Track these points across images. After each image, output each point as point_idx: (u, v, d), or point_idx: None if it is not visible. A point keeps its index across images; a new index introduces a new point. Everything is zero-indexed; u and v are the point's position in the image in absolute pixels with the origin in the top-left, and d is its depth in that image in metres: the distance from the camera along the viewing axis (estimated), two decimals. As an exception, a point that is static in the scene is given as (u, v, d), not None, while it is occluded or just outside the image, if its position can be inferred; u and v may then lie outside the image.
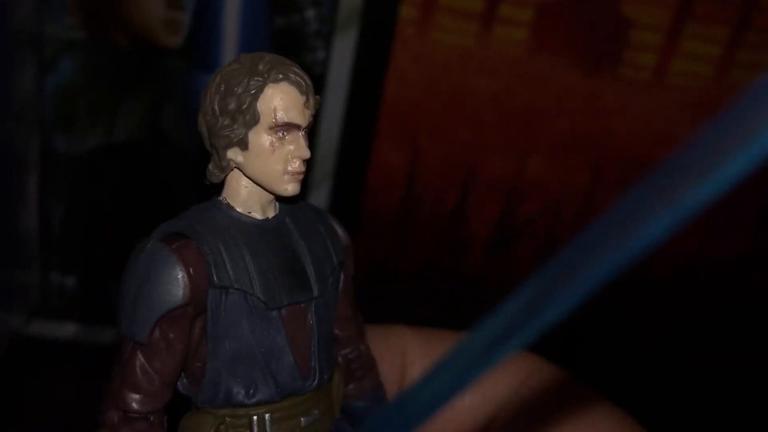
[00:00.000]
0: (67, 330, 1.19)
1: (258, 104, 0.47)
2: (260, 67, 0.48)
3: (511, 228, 1.17)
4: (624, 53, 1.06)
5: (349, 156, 1.08)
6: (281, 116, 0.48)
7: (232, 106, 0.47)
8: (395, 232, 1.17)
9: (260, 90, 0.47)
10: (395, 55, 1.04)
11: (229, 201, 0.50)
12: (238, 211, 0.50)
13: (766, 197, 1.16)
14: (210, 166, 0.49)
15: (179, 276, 0.47)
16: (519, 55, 1.05)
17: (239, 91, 0.47)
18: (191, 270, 0.47)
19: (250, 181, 0.50)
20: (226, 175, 0.49)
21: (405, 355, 0.74)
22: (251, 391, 0.49)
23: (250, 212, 0.50)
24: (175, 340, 0.47)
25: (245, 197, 0.50)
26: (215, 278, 0.47)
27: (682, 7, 1.02)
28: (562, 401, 0.71)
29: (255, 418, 0.49)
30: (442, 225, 1.17)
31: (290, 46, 1.02)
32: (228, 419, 0.48)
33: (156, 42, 1.01)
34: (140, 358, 0.47)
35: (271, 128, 0.48)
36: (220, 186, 0.50)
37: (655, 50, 1.05)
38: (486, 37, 1.04)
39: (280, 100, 0.48)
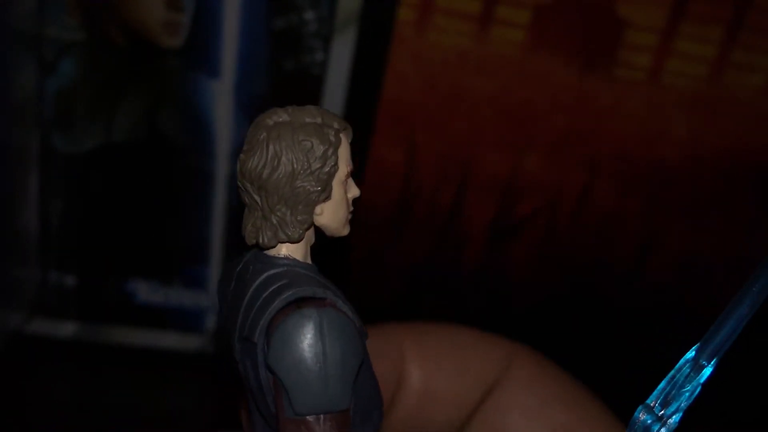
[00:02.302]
0: (66, 329, 1.20)
1: (338, 158, 0.49)
2: (328, 120, 0.49)
3: (508, 225, 1.18)
4: (619, 53, 1.06)
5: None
6: (350, 164, 0.50)
7: (321, 163, 0.48)
8: (393, 229, 1.17)
9: (339, 143, 0.49)
10: (393, 56, 1.04)
11: (290, 254, 0.50)
12: (302, 263, 0.50)
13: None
14: (284, 227, 0.49)
15: (355, 332, 0.46)
16: (516, 55, 1.06)
17: (325, 147, 0.48)
18: (355, 323, 0.47)
19: (313, 231, 0.50)
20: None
21: (402, 354, 0.74)
22: (374, 422, 0.50)
23: (307, 261, 0.50)
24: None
25: (306, 248, 0.50)
26: (357, 325, 0.47)
27: (677, 7, 1.03)
28: (547, 389, 0.72)
29: None
30: (439, 221, 1.17)
31: (289, 47, 1.02)
32: None
33: (155, 43, 1.02)
34: (341, 425, 0.45)
35: (344, 177, 0.49)
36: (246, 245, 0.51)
37: (650, 50, 1.06)
38: (483, 38, 1.04)
39: (347, 150, 0.50)
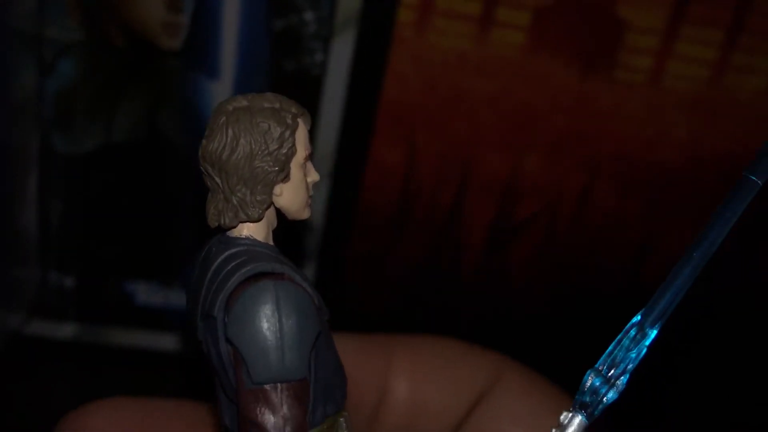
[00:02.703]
0: (65, 330, 1.19)
1: (295, 140, 0.51)
2: (285, 105, 0.51)
3: (507, 226, 1.18)
4: (619, 55, 1.06)
5: (347, 156, 1.08)
6: (308, 147, 0.52)
7: (278, 144, 0.50)
8: (392, 230, 1.17)
9: (297, 126, 0.51)
10: (393, 58, 1.04)
11: (251, 235, 0.52)
12: (262, 243, 0.52)
13: None
14: (245, 207, 0.50)
15: (311, 305, 0.48)
16: (516, 57, 1.06)
17: (282, 129, 0.50)
18: (313, 298, 0.49)
19: (274, 214, 0.53)
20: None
21: (388, 366, 0.74)
22: (335, 402, 0.51)
23: (268, 242, 0.52)
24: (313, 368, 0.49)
25: (267, 229, 0.52)
26: (315, 301, 0.49)
27: (678, 9, 1.03)
28: (537, 398, 0.72)
29: (341, 420, 0.52)
30: (439, 223, 1.17)
31: (288, 48, 1.02)
32: None
33: (155, 44, 1.02)
34: (298, 395, 0.47)
35: (302, 160, 0.52)
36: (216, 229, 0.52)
37: (651, 52, 1.06)
38: (483, 40, 1.04)
39: (305, 134, 0.52)
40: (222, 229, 0.53)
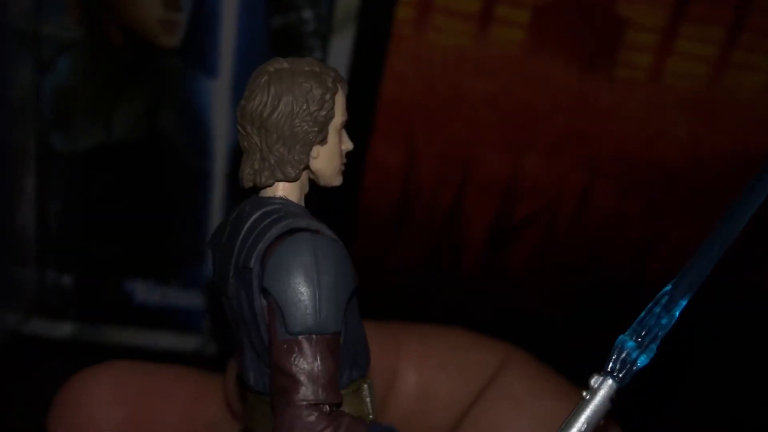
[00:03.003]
0: (63, 329, 1.19)
1: (335, 104, 0.52)
2: (325, 69, 0.52)
3: (507, 226, 1.18)
4: (619, 53, 1.06)
5: (346, 155, 1.08)
6: (345, 114, 0.53)
7: (319, 105, 0.51)
8: (392, 230, 1.17)
9: (336, 90, 0.52)
10: (392, 55, 1.04)
11: (286, 195, 0.52)
12: (296, 204, 0.52)
13: None
14: (282, 166, 0.51)
15: (348, 262, 0.49)
16: (515, 55, 1.05)
17: (323, 91, 0.51)
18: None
19: (308, 178, 0.53)
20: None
21: (398, 352, 0.74)
22: (360, 368, 0.52)
23: (301, 204, 0.53)
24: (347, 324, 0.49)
25: (300, 192, 0.53)
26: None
27: (678, 7, 1.03)
28: (536, 382, 0.72)
29: (366, 386, 0.53)
30: (439, 223, 1.17)
31: (287, 46, 1.02)
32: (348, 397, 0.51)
33: (153, 42, 1.02)
34: (332, 348, 0.47)
35: (339, 126, 0.53)
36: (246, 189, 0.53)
37: (651, 51, 1.06)
38: (482, 38, 1.04)
39: (343, 99, 0.53)
40: (255, 191, 0.53)
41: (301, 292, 0.46)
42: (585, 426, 0.47)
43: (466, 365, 0.74)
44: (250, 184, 0.52)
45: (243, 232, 0.50)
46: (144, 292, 1.18)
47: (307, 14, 1.01)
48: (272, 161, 0.51)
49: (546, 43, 1.05)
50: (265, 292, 0.47)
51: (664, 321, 0.48)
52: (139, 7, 1.00)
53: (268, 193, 0.52)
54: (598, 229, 1.18)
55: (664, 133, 1.11)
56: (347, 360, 0.50)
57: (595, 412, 0.47)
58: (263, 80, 0.51)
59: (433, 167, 1.12)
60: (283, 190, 0.52)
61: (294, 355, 0.46)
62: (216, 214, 1.11)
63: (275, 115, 0.50)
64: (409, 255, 1.19)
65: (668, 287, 0.50)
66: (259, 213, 0.50)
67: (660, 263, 1.21)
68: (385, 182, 1.13)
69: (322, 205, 1.11)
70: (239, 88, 1.04)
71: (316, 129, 0.51)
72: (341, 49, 1.02)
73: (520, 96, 1.08)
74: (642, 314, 0.49)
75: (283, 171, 0.51)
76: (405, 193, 1.14)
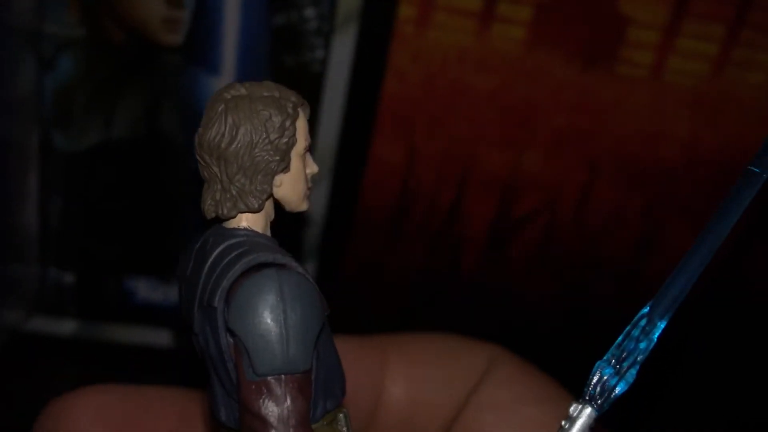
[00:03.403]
0: (65, 326, 1.19)
1: (296, 130, 0.50)
2: (284, 94, 0.50)
3: (508, 224, 1.18)
4: (620, 51, 1.06)
5: (347, 154, 1.08)
6: (308, 138, 0.51)
7: (279, 133, 0.49)
8: (392, 228, 1.17)
9: (297, 116, 0.50)
10: (394, 54, 1.04)
11: (250, 226, 0.51)
12: (261, 234, 0.51)
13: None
14: (244, 197, 0.49)
15: (316, 296, 0.47)
16: (516, 53, 1.05)
17: (283, 118, 0.49)
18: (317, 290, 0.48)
19: (272, 206, 0.51)
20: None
21: (384, 367, 0.74)
22: (335, 398, 0.51)
23: (266, 234, 0.52)
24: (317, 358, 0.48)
25: (266, 221, 0.51)
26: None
27: (679, 4, 1.03)
28: (520, 386, 0.72)
29: (341, 415, 0.52)
30: (439, 221, 1.17)
31: (289, 44, 1.02)
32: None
33: (155, 40, 1.02)
34: (302, 387, 0.46)
35: (302, 151, 0.51)
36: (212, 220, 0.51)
37: (652, 48, 1.06)
38: (484, 35, 1.04)
39: (305, 124, 0.51)
40: (218, 221, 0.51)
41: (268, 332, 0.45)
42: None
43: (451, 373, 0.73)
44: (213, 215, 0.50)
45: (206, 268, 0.49)
46: (145, 290, 1.18)
47: (309, 12, 1.01)
48: (234, 192, 0.49)
49: (547, 41, 1.05)
50: (230, 331, 0.46)
51: (642, 345, 0.47)
52: (141, 4, 0.99)
53: (232, 224, 0.51)
54: (598, 226, 1.18)
55: (664, 131, 1.11)
56: (321, 392, 0.49)
57: None
58: (220, 108, 0.49)
59: (433, 165, 1.12)
60: (246, 220, 0.50)
61: (263, 397, 0.45)
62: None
63: (234, 146, 0.48)
64: (409, 252, 1.19)
65: (646, 309, 0.49)
66: (222, 246, 0.49)
67: (660, 260, 1.21)
68: (386, 180, 1.13)
69: (322, 205, 1.12)
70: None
71: (278, 158, 0.49)
72: (343, 47, 1.02)
73: (521, 93, 1.08)
74: (620, 338, 0.48)
75: (245, 202, 0.49)
76: (405, 191, 1.14)
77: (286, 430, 0.45)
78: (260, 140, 0.48)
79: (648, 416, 1.23)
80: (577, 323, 1.25)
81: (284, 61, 1.03)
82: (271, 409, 0.45)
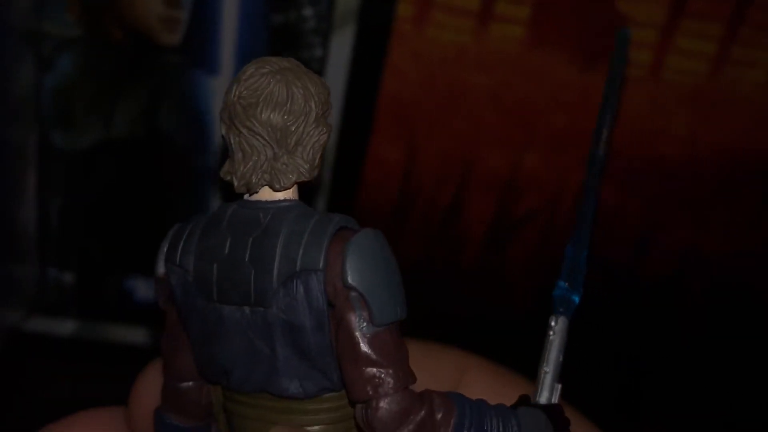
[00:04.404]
0: (64, 326, 1.19)
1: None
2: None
3: (508, 223, 1.18)
4: (620, 50, 1.06)
5: (346, 152, 1.08)
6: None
7: (328, 105, 0.51)
8: (392, 228, 1.17)
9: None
10: (392, 53, 1.04)
11: (294, 197, 0.51)
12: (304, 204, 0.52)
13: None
14: (300, 167, 0.50)
15: None
16: (515, 52, 1.05)
17: (328, 91, 0.51)
18: None
19: None
20: None
21: (462, 376, 0.73)
22: None
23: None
24: None
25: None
26: None
27: (677, 3, 1.03)
28: (496, 396, 0.71)
29: None
30: (438, 220, 1.17)
31: (288, 43, 1.02)
32: None
33: (154, 39, 1.02)
34: (400, 332, 0.48)
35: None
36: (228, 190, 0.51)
37: (651, 47, 1.06)
38: (482, 34, 1.04)
39: None
40: (237, 197, 0.51)
41: (386, 284, 0.48)
42: (561, 356, 0.60)
43: (420, 382, 0.72)
44: (259, 187, 0.50)
45: (282, 239, 0.48)
46: (145, 289, 1.18)
47: (308, 12, 1.01)
48: (289, 162, 0.49)
49: (546, 40, 1.05)
50: (339, 289, 0.47)
51: (582, 265, 0.66)
52: (139, 4, 0.99)
53: (276, 196, 0.50)
54: (597, 225, 1.18)
55: (664, 129, 1.12)
56: None
57: (561, 343, 0.61)
58: (275, 79, 0.49)
59: (432, 164, 1.13)
60: (293, 192, 0.51)
61: (383, 345, 0.47)
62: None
63: (293, 118, 0.49)
64: (409, 251, 1.19)
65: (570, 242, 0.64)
66: (293, 216, 0.49)
67: (660, 258, 1.21)
68: (385, 179, 1.13)
69: (322, 204, 1.12)
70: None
71: (324, 129, 0.50)
72: (342, 46, 1.02)
73: (519, 93, 1.08)
74: (565, 265, 0.65)
75: (301, 171, 0.49)
76: (405, 190, 1.14)
77: (404, 374, 0.47)
78: (317, 111, 0.50)
79: (647, 416, 1.23)
80: (577, 323, 1.25)
81: (283, 61, 1.03)
82: (390, 355, 0.47)
